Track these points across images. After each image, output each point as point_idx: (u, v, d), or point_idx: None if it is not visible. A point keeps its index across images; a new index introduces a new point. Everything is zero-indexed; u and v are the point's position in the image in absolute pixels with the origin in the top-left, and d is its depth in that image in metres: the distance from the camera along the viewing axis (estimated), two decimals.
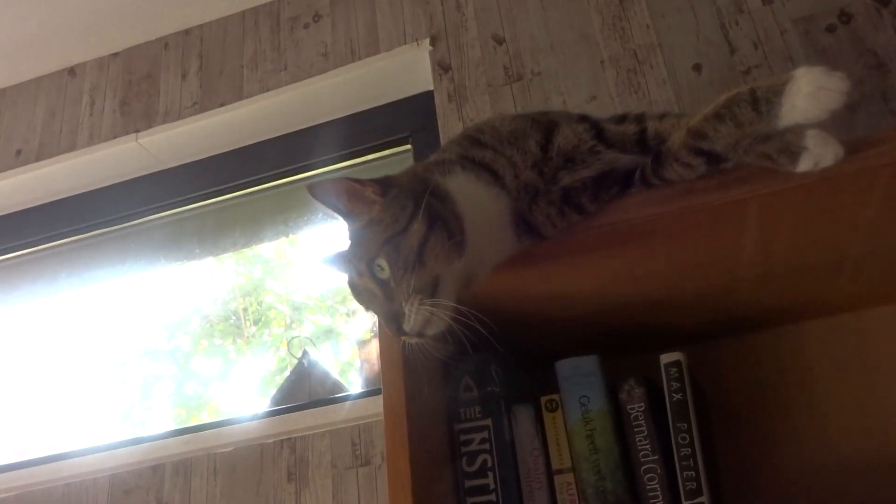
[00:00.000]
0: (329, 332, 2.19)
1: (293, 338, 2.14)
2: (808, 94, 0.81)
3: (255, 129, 2.13)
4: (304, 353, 1.99)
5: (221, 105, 2.12)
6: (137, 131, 2.18)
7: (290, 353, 2.03)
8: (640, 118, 1.01)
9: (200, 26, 2.30)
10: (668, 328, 1.28)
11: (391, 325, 0.92)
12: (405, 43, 1.98)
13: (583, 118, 1.02)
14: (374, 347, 1.97)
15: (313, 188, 0.96)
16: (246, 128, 2.13)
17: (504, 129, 1.01)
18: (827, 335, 1.26)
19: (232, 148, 2.17)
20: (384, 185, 0.95)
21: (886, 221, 1.02)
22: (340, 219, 0.98)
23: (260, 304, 2.99)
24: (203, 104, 2.16)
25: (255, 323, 3.11)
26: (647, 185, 0.98)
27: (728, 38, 1.66)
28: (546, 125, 1.00)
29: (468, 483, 1.13)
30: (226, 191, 2.19)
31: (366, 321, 2.02)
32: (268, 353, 2.79)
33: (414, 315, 0.89)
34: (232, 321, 3.10)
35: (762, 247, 1.06)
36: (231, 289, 2.92)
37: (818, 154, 0.84)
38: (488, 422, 1.17)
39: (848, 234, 1.05)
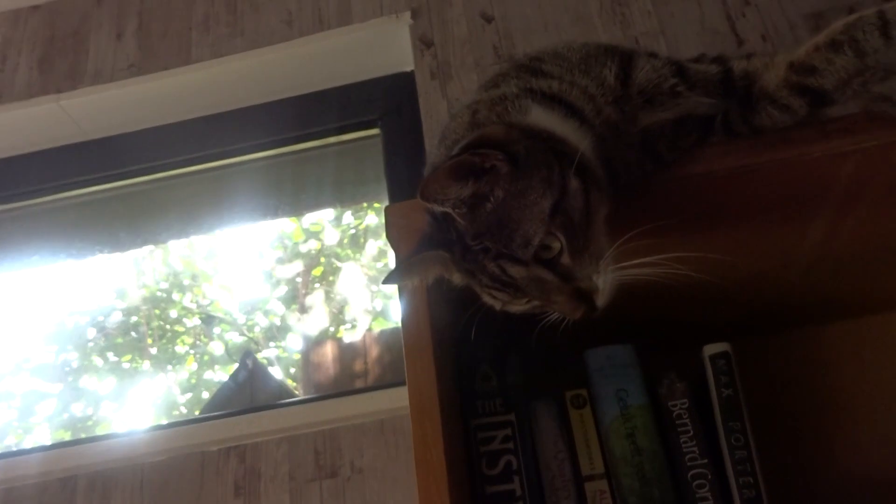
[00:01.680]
0: (277, 331, 1.94)
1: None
2: None
3: (204, 101, 1.88)
4: (248, 353, 1.74)
5: (164, 69, 1.87)
6: (59, 92, 1.88)
7: (228, 354, 1.77)
8: (720, 59, 0.87)
9: None
10: (701, 320, 1.13)
11: (577, 308, 0.75)
12: (382, 15, 1.80)
13: (654, 54, 0.87)
14: (328, 349, 1.74)
15: (425, 190, 0.73)
16: (193, 98, 1.88)
17: (573, 56, 0.85)
18: (871, 334, 1.15)
19: (174, 120, 1.91)
20: (499, 146, 0.74)
21: None
22: (462, 210, 0.75)
23: (165, 318, 2.69)
24: (142, 67, 1.90)
25: (161, 338, 2.80)
26: (731, 134, 0.84)
27: (735, 30, 1.58)
28: (621, 56, 0.85)
29: (490, 489, 0.93)
30: (162, 168, 1.92)
31: (320, 320, 1.80)
32: (174, 369, 2.49)
33: (609, 286, 0.74)
34: (133, 335, 2.78)
35: (836, 221, 0.94)
36: (136, 297, 2.61)
37: None
38: (511, 416, 0.98)
39: None
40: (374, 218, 1.91)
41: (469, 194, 0.74)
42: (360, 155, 1.91)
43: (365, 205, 2.04)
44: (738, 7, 1.59)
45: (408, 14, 1.77)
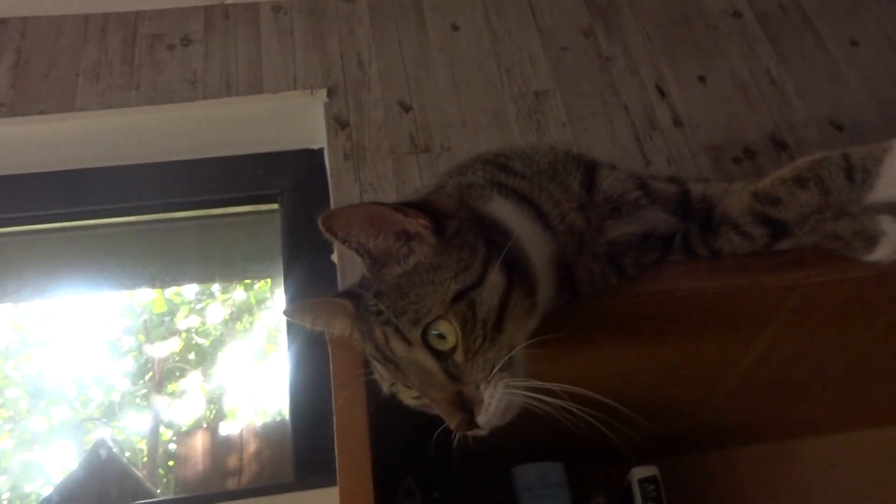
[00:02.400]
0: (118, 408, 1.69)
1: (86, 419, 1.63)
2: None
3: (86, 152, 1.70)
4: (101, 442, 1.51)
5: (41, 112, 1.68)
6: None
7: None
8: (675, 179, 0.88)
9: (24, 19, 1.86)
10: (627, 439, 1.10)
11: (453, 416, 0.66)
12: (295, 88, 1.74)
13: (615, 166, 0.87)
14: (198, 440, 1.55)
15: (329, 219, 0.67)
16: (73, 148, 1.69)
17: (541, 159, 0.82)
18: (778, 459, 1.17)
19: (47, 169, 1.70)
20: (436, 214, 0.69)
21: (884, 342, 0.96)
22: (366, 260, 0.70)
23: None
24: (14, 107, 1.69)
25: None
26: (689, 254, 0.83)
27: (643, 150, 1.65)
28: (586, 164, 0.83)
29: None
30: (25, 221, 1.69)
31: (193, 407, 1.60)
32: None
33: (496, 402, 0.65)
34: None
35: (769, 349, 0.95)
36: None
37: None
38: None
39: (840, 351, 0.99)
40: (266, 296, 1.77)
41: (381, 248, 0.69)
42: (254, 230, 1.78)
43: (249, 281, 1.89)
44: (646, 130, 1.68)
45: (324, 92, 1.72)
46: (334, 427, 0.74)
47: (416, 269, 0.68)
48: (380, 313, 0.69)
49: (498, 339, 0.67)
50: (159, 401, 1.62)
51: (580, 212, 0.78)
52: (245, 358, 1.63)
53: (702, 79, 1.77)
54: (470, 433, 0.68)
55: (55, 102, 1.70)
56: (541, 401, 0.65)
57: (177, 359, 1.64)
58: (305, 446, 1.43)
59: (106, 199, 1.69)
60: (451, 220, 0.70)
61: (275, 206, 1.76)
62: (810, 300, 0.85)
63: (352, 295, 0.75)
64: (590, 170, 0.82)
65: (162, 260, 1.72)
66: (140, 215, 1.72)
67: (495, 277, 0.67)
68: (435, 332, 0.66)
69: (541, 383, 0.65)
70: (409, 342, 0.67)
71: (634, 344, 0.89)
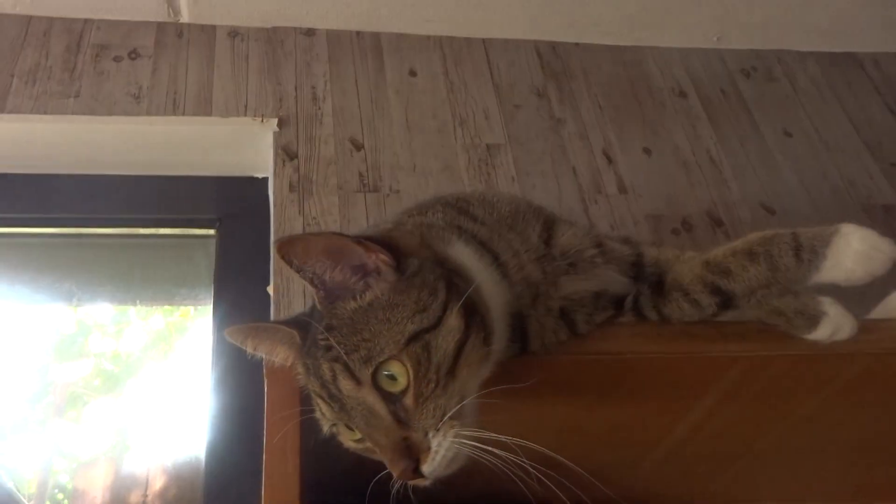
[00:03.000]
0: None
1: None
2: (859, 252, 0.75)
3: (13, 156, 1.61)
4: None
5: None
6: None
7: None
8: (629, 241, 0.89)
9: None
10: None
11: (397, 463, 0.63)
12: (245, 115, 1.70)
13: (573, 223, 0.87)
14: (98, 473, 1.44)
15: (286, 245, 0.64)
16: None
17: (502, 208, 0.81)
18: None
19: None
20: (395, 250, 0.67)
21: (817, 420, 0.98)
22: (320, 292, 0.67)
23: None
24: None
25: None
26: (639, 316, 0.84)
27: (588, 213, 1.68)
28: (546, 217, 0.83)
29: None
30: None
31: (97, 436, 1.49)
32: None
33: (443, 450, 0.62)
34: None
35: (704, 418, 0.95)
36: None
37: (837, 324, 0.78)
38: None
39: (770, 426, 1.00)
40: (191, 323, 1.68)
41: (337, 281, 0.66)
42: (183, 254, 1.71)
43: (170, 307, 1.80)
44: (592, 194, 1.71)
45: (274, 121, 1.69)
46: (263, 466, 0.69)
47: (372, 306, 0.65)
48: (329, 349, 0.65)
49: (451, 386, 0.64)
50: (57, 427, 1.50)
51: (537, 263, 0.77)
52: (158, 388, 1.54)
53: (647, 150, 1.83)
54: (412, 482, 0.64)
55: None
56: (491, 453, 0.63)
57: (82, 384, 1.53)
58: (218, 486, 1.35)
59: (29, 206, 1.59)
60: (412, 258, 0.68)
61: (211, 231, 1.70)
62: (750, 372, 0.86)
63: (300, 325, 0.72)
64: (549, 223, 0.82)
65: (80, 276, 1.62)
66: (62, 227, 1.63)
67: (453, 321, 0.64)
68: (386, 373, 0.63)
69: (493, 434, 0.63)
70: (358, 381, 0.64)
71: (578, 402, 0.87)
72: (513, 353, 0.75)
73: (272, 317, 1.42)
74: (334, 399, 0.66)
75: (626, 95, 1.95)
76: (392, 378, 0.63)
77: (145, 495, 1.40)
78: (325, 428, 0.70)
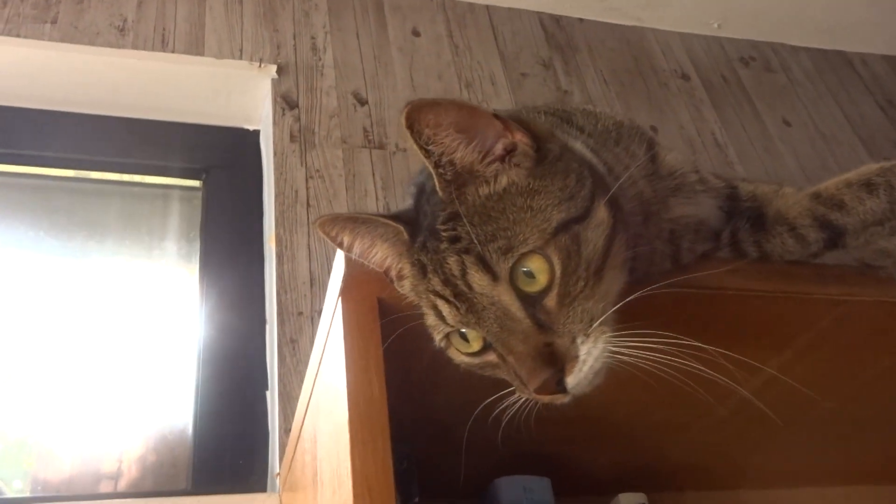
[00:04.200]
0: None
1: None
2: None
3: None
4: None
5: None
6: None
7: None
8: (719, 176, 0.82)
9: None
10: (616, 464, 1.01)
11: (539, 373, 0.54)
12: (241, 58, 1.57)
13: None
14: (69, 433, 1.29)
15: (417, 111, 0.54)
16: None
17: (604, 120, 0.73)
18: None
19: None
20: (537, 132, 0.58)
21: (877, 385, 0.94)
22: (446, 174, 0.56)
23: None
24: None
25: None
26: (736, 252, 0.77)
27: None
28: (648, 136, 0.75)
29: None
30: None
31: (68, 396, 1.33)
32: None
33: (592, 360, 0.54)
34: None
35: (779, 372, 0.89)
36: None
37: None
38: None
39: (837, 387, 0.95)
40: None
41: (467, 162, 0.57)
42: (167, 205, 1.57)
43: (153, 262, 1.64)
44: None
45: (273, 68, 1.56)
46: (346, 391, 0.58)
47: (508, 192, 0.56)
48: (456, 239, 0.56)
49: (598, 288, 0.55)
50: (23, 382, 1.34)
51: (647, 181, 0.70)
52: (135, 348, 1.39)
53: (653, 128, 1.78)
54: (548, 399, 0.55)
55: None
56: (651, 360, 0.54)
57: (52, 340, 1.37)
58: (207, 453, 1.22)
59: None
60: (556, 144, 0.59)
61: (196, 182, 1.56)
62: (845, 320, 0.80)
63: (405, 220, 0.62)
64: (651, 142, 0.75)
65: (47, 222, 1.46)
66: (29, 166, 1.46)
67: (602, 214, 0.56)
68: (524, 270, 0.54)
69: (645, 338, 0.54)
70: (494, 275, 0.54)
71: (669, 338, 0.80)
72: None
73: (275, 272, 1.30)
74: (461, 298, 0.56)
75: (630, 72, 1.90)
76: (530, 276, 0.54)
77: (120, 461, 1.25)
78: (438, 337, 0.60)
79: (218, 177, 1.55)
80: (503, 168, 0.57)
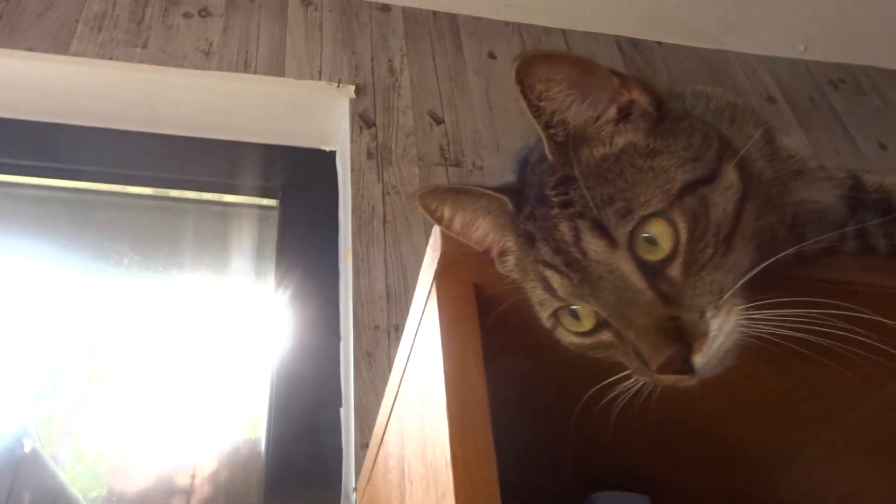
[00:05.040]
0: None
1: None
2: None
3: (70, 105, 1.48)
4: (24, 431, 1.21)
5: (28, 49, 1.47)
6: None
7: None
8: (840, 167, 0.76)
9: None
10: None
11: (664, 349, 0.47)
12: (320, 79, 1.59)
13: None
14: (143, 451, 1.27)
15: (531, 63, 0.50)
16: (59, 98, 1.47)
17: (718, 100, 0.68)
18: None
19: (26, 117, 1.47)
20: (656, 91, 0.53)
21: None
22: (557, 135, 0.52)
23: None
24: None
25: None
26: (863, 247, 0.70)
27: None
28: (763, 118, 0.70)
29: None
30: None
31: (142, 414, 1.32)
32: None
33: (724, 336, 0.48)
34: None
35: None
36: None
37: None
38: None
39: None
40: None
41: (581, 120, 0.52)
42: (245, 224, 1.57)
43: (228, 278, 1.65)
44: None
45: (351, 88, 1.57)
46: (444, 384, 0.53)
47: (626, 153, 0.51)
48: (569, 204, 0.51)
49: (728, 258, 0.49)
50: (96, 399, 1.34)
51: (766, 162, 0.64)
52: (210, 366, 1.38)
53: None
54: (675, 381, 0.49)
55: (43, 41, 1.49)
56: (797, 328, 0.48)
57: (127, 356, 1.37)
58: (280, 472, 1.18)
59: (87, 159, 1.46)
60: (672, 102, 0.54)
61: (273, 202, 1.57)
62: None
63: (510, 191, 0.58)
64: (768, 125, 0.69)
65: (130, 238, 1.48)
66: (116, 183, 1.49)
67: (732, 177, 0.50)
68: (645, 235, 0.49)
69: (790, 307, 0.48)
70: (612, 240, 0.49)
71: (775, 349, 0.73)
72: None
73: (352, 288, 1.27)
74: (574, 267, 0.51)
75: None
76: (652, 243, 0.49)
77: (193, 477, 1.23)
78: (545, 314, 0.55)
79: (294, 195, 1.56)
80: (620, 128, 0.52)
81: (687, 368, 0.48)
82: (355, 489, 1.02)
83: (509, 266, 0.58)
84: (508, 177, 0.62)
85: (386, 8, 1.80)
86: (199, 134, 1.55)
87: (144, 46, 1.55)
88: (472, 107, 1.63)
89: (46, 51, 1.47)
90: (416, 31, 1.77)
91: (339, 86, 1.57)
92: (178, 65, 1.53)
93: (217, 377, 1.37)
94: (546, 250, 0.52)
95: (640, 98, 0.52)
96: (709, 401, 0.77)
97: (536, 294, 0.55)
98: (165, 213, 1.55)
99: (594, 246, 0.50)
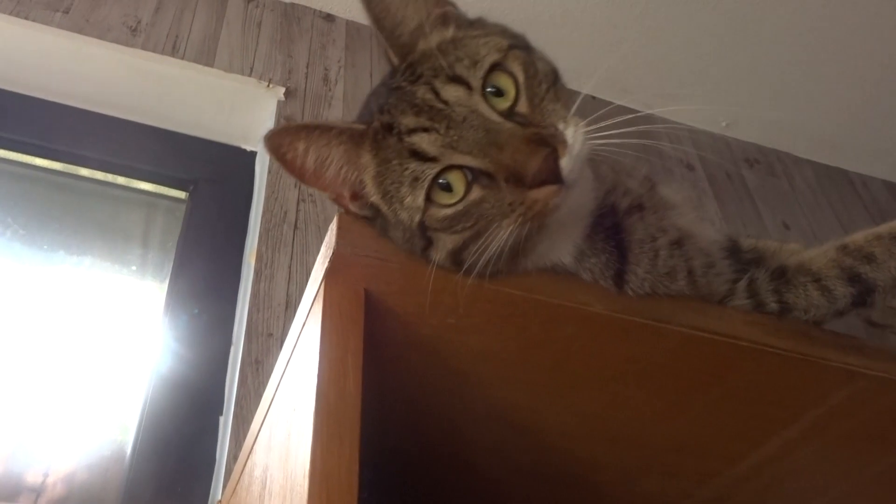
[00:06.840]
0: None
1: None
2: None
3: None
4: None
5: None
6: None
7: None
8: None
9: None
10: None
11: (537, 153, 0.53)
12: (250, 75, 1.54)
13: None
14: None
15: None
16: None
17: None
18: None
19: None
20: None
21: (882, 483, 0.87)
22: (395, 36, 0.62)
23: None
24: None
25: None
26: (754, 302, 0.71)
27: None
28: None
29: None
30: None
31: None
32: None
33: (579, 143, 0.55)
34: None
35: (794, 442, 0.81)
36: None
37: None
38: None
39: (844, 476, 0.87)
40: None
41: (413, 24, 0.61)
42: (148, 213, 1.50)
43: (122, 267, 1.56)
44: None
45: (282, 90, 1.53)
46: (316, 380, 0.50)
47: (457, 36, 0.61)
48: (418, 77, 0.58)
49: (559, 95, 0.59)
50: None
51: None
52: (79, 358, 1.28)
53: None
54: (546, 195, 0.53)
55: None
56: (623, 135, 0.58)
57: None
58: (143, 478, 1.10)
59: None
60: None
61: (182, 194, 1.50)
62: (862, 396, 0.73)
63: (360, 122, 0.61)
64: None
65: (21, 212, 1.38)
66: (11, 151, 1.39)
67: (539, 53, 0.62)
68: (490, 90, 0.57)
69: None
70: (469, 87, 0.57)
71: (670, 388, 0.73)
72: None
73: (249, 288, 1.22)
74: (438, 118, 0.56)
75: (636, 150, 1.89)
76: (499, 94, 0.57)
77: (45, 475, 1.13)
78: (416, 217, 0.56)
79: (206, 191, 1.49)
80: (445, 25, 0.62)
81: (557, 178, 0.53)
82: (220, 501, 0.96)
83: (368, 194, 0.59)
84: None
85: (330, 18, 1.78)
86: (114, 113, 1.48)
87: (66, 12, 1.47)
88: None
89: None
90: (357, 45, 1.75)
91: (269, 85, 1.53)
92: (101, 37, 1.45)
93: (90, 371, 1.27)
94: (409, 118, 0.57)
95: (450, 9, 0.63)
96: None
97: (403, 190, 0.57)
98: (64, 189, 1.45)
99: (454, 93, 0.56)
